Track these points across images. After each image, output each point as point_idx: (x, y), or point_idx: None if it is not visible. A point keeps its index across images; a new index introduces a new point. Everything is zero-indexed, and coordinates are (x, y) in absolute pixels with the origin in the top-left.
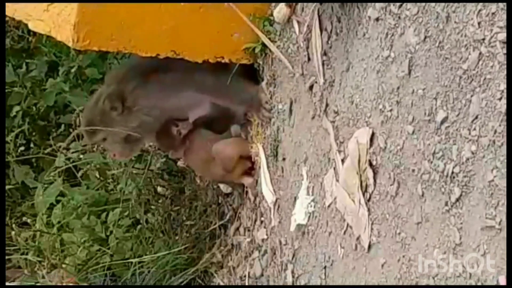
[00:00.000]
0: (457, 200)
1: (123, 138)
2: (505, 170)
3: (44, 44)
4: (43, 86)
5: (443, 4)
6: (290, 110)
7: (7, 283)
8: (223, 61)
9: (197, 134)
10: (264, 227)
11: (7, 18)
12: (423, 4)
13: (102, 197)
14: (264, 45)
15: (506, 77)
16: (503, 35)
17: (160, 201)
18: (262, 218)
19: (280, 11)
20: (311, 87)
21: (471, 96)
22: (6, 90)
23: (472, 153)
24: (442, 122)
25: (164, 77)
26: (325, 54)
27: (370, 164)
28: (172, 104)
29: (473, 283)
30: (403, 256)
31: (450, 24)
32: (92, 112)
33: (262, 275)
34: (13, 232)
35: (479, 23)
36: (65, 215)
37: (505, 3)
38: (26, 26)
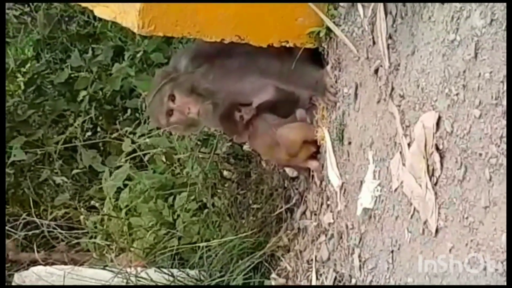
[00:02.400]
0: None
1: (190, 89)
2: None
3: (110, 29)
4: (109, 71)
5: None
6: (356, 94)
7: (76, 266)
8: (287, 45)
9: (261, 119)
10: (331, 211)
11: (73, 4)
12: None
13: (169, 181)
14: (328, 29)
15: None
16: None
17: (226, 185)
18: (329, 202)
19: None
20: (376, 71)
21: None
22: (73, 75)
23: None
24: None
25: (229, 61)
26: (390, 37)
27: (437, 148)
28: (237, 89)
29: None
30: (471, 241)
31: None
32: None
33: (329, 259)
34: (81, 216)
35: None
36: (133, 199)
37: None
38: (92, 12)
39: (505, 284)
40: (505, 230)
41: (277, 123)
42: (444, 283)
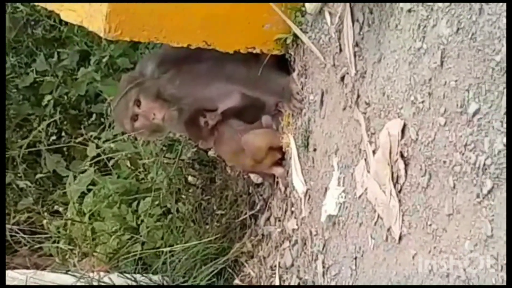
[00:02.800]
0: (489, 192)
1: (156, 94)
2: None
3: (76, 33)
4: (74, 75)
5: None
6: (321, 101)
7: (38, 271)
8: (254, 51)
9: (226, 125)
10: (295, 218)
11: (38, 7)
12: None
13: (133, 186)
14: (295, 35)
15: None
16: None
17: (191, 190)
18: (293, 209)
19: (312, 2)
20: (342, 78)
21: (504, 88)
22: (38, 79)
23: (504, 145)
24: (474, 114)
25: (196, 67)
26: (357, 45)
27: (402, 156)
28: (203, 94)
29: (505, 276)
30: (434, 248)
31: (483, 16)
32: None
33: (292, 265)
34: (44, 221)
35: None
36: (97, 203)
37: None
38: (58, 16)
39: (505, 284)
40: (468, 237)
41: (243, 129)
42: None
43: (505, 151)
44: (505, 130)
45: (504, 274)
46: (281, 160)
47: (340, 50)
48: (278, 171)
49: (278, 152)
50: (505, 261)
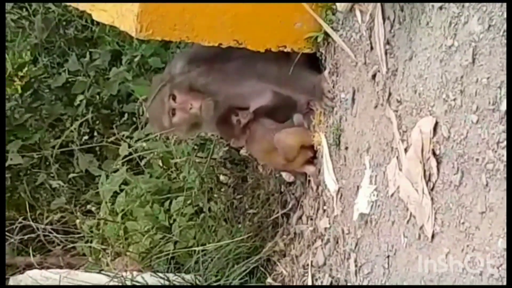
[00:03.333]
0: None
1: (188, 86)
2: None
3: (108, 33)
4: (106, 75)
5: None
6: (353, 99)
7: (72, 270)
8: (285, 50)
9: (258, 124)
10: (327, 216)
11: (70, 8)
12: None
13: (165, 186)
14: (326, 34)
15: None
16: None
17: (222, 189)
18: (325, 207)
19: (343, 1)
20: (373, 76)
21: None
22: (70, 79)
23: None
24: (506, 111)
25: (227, 65)
26: (388, 43)
27: (434, 154)
28: (235, 92)
29: None
30: (467, 246)
31: None
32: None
33: (324, 264)
34: (77, 220)
35: None
36: (129, 203)
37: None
38: (90, 16)
39: (505, 284)
40: (502, 236)
41: (275, 128)
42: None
43: None
44: None
45: None
46: (313, 158)
47: (371, 48)
48: (310, 169)
49: (310, 151)
50: None
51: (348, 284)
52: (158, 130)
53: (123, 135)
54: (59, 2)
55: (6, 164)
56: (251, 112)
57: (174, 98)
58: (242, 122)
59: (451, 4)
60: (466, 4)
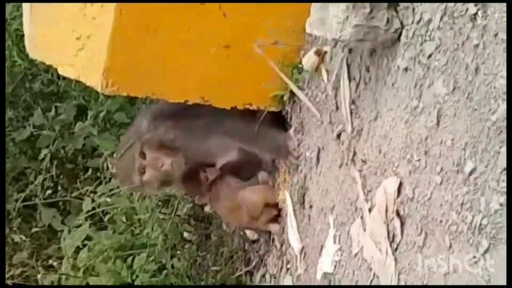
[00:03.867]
0: (485, 252)
1: (159, 144)
2: None
3: (74, 88)
4: (71, 129)
5: (472, 55)
6: (318, 158)
7: None
8: (251, 108)
9: (223, 181)
10: (290, 275)
11: (37, 61)
12: (452, 55)
13: (128, 242)
14: (292, 92)
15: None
16: None
17: (186, 246)
18: (288, 266)
19: (309, 59)
20: (338, 135)
21: (500, 147)
22: (35, 133)
23: (501, 205)
24: (470, 173)
25: (194, 122)
26: (353, 102)
27: (398, 214)
28: (201, 149)
29: None
30: None
31: (479, 76)
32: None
33: None
34: (39, 275)
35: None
36: (91, 258)
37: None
38: (56, 71)
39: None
40: None
41: (239, 186)
42: None
43: (501, 211)
44: (502, 190)
45: None
46: (277, 216)
47: (337, 107)
48: (274, 228)
49: (274, 209)
50: None
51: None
52: (127, 187)
53: (87, 190)
54: None
55: None
56: (218, 169)
57: (144, 156)
58: (210, 178)
59: (417, 65)
60: (432, 66)
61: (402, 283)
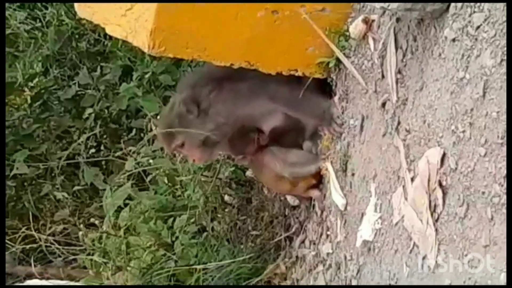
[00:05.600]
0: None
1: (201, 141)
2: None
3: (120, 48)
4: (116, 90)
5: None
6: (361, 126)
7: (72, 283)
8: (296, 74)
9: (268, 149)
10: (330, 241)
11: (84, 21)
12: (501, 27)
13: (170, 203)
14: (338, 60)
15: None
16: None
17: (226, 209)
18: (328, 232)
19: (356, 27)
20: (383, 104)
21: None
22: (80, 92)
23: None
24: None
25: (239, 85)
26: (399, 72)
27: (440, 184)
28: (246, 112)
29: None
30: (469, 279)
31: None
32: (169, 117)
33: None
34: (80, 233)
35: None
36: (133, 218)
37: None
38: (103, 30)
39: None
40: (504, 270)
41: (284, 155)
42: None
43: None
44: None
45: None
46: (318, 184)
47: (383, 76)
48: (314, 193)
49: (314, 178)
50: None
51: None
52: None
53: (130, 150)
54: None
55: (12, 173)
56: (267, 137)
57: (182, 146)
58: (261, 143)
59: (464, 36)
60: (479, 38)
61: (442, 253)
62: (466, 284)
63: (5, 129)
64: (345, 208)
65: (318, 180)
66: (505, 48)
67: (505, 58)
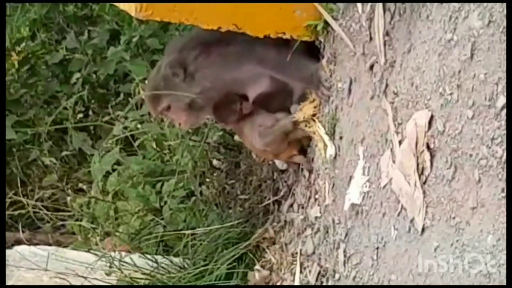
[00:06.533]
0: None
1: (188, 105)
2: None
3: (107, 12)
4: (104, 54)
5: None
6: (349, 89)
7: (60, 248)
8: (284, 37)
9: (252, 118)
10: (318, 205)
11: None
12: None
13: (158, 168)
14: (326, 22)
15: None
16: None
17: (215, 174)
18: (317, 196)
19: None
20: (371, 67)
21: None
22: (68, 57)
23: None
24: (502, 108)
25: (226, 49)
26: (387, 34)
27: (428, 147)
28: (233, 76)
29: None
30: (457, 241)
31: None
32: (155, 79)
33: (314, 253)
34: (68, 198)
35: None
36: (121, 183)
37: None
38: None
39: (505, 284)
40: (492, 232)
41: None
42: (428, 282)
43: None
44: None
45: None
46: (299, 153)
47: (370, 38)
48: (297, 159)
49: (295, 148)
50: None
51: (337, 274)
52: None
53: (118, 115)
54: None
55: None
56: (251, 104)
57: (168, 109)
58: (244, 112)
59: None
60: None
61: (429, 216)
62: (454, 247)
63: (5, 128)
64: (335, 158)
65: (299, 150)
66: (493, 9)
67: (493, 19)
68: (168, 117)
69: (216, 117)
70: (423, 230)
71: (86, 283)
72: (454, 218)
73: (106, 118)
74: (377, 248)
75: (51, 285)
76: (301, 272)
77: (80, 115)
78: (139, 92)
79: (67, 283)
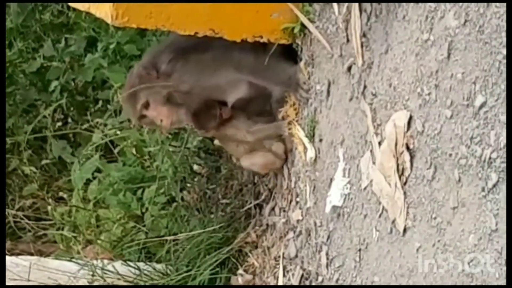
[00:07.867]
0: (494, 186)
1: (166, 98)
2: None
3: (84, 19)
4: (81, 61)
5: None
6: (328, 91)
7: (42, 258)
8: (261, 40)
9: (232, 123)
10: (300, 208)
11: None
12: None
13: (139, 174)
14: (303, 25)
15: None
16: None
17: (196, 179)
18: (298, 199)
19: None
20: (349, 69)
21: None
22: (45, 65)
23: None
24: (480, 107)
25: (203, 56)
26: (364, 35)
27: (407, 148)
28: (211, 83)
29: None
30: (438, 241)
31: (491, 8)
32: (130, 80)
33: (296, 256)
34: (49, 207)
35: None
36: (101, 191)
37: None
38: (66, 1)
39: (506, 284)
40: (473, 231)
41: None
42: (411, 283)
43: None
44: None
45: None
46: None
47: (348, 40)
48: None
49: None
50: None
51: (320, 276)
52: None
53: (97, 122)
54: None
55: None
56: (230, 109)
57: (147, 107)
58: (223, 117)
59: None
60: None
61: (411, 216)
62: (436, 247)
63: (5, 129)
64: (315, 160)
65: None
66: (469, 9)
67: (469, 19)
68: (148, 117)
69: (195, 125)
70: (404, 231)
71: None
72: (435, 218)
73: (86, 125)
74: (359, 250)
75: (52, 285)
76: (284, 275)
77: (59, 123)
78: (117, 99)
79: None
